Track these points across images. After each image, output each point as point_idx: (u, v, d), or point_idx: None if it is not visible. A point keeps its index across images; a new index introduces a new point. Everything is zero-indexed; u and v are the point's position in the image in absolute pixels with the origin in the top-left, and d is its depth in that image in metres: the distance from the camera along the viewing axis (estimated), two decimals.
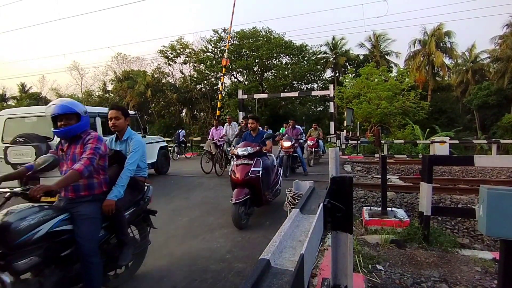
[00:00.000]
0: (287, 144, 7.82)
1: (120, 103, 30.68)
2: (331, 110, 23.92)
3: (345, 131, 20.06)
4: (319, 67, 32.01)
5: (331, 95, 22.36)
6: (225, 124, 9.71)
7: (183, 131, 15.57)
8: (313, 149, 10.18)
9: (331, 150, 3.00)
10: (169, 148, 11.71)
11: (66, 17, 56.48)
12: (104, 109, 6.16)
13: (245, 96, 24.60)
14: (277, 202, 5.08)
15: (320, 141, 10.87)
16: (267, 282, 0.75)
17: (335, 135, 20.07)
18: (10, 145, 5.08)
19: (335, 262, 1.55)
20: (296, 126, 9.24)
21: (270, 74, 31.15)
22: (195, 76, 31.22)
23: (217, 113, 20.28)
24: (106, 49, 61.32)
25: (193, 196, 5.92)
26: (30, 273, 1.84)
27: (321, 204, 1.26)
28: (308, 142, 10.07)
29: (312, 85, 32.75)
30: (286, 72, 29.44)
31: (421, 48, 29.87)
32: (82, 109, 2.22)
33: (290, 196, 2.82)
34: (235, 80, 32.22)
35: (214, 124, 9.63)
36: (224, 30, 27.78)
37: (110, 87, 34.60)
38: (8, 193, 1.87)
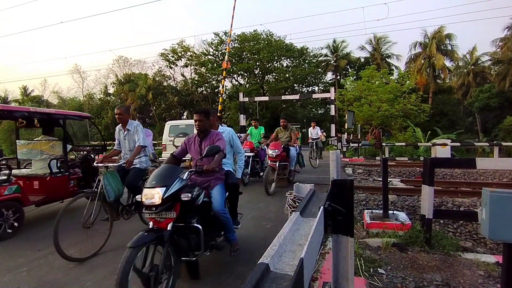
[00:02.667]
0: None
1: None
2: (332, 112, 23.94)
3: (346, 133, 20.05)
4: (320, 70, 32.08)
5: (332, 97, 22.39)
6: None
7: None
8: (277, 164, 6.30)
9: (332, 153, 2.99)
10: None
11: (67, 21, 56.97)
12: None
13: (246, 99, 24.65)
14: (277, 205, 5.06)
15: (292, 149, 6.82)
16: (266, 287, 0.74)
17: (336, 138, 20.07)
18: (175, 137, 9.92)
19: (336, 265, 1.54)
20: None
21: (271, 77, 31.24)
22: (196, 79, 31.32)
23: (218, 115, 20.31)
24: (108, 52, 61.90)
25: None
26: None
27: (322, 207, 1.24)
28: (269, 151, 6.33)
29: (313, 88, 32.82)
30: (287, 75, 29.53)
31: (422, 50, 29.91)
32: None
33: (291, 199, 2.80)
34: (236, 83, 32.32)
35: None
36: (225, 33, 27.90)
37: (111, 90, 34.74)
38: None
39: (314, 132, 11.87)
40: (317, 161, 11.05)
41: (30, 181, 4.85)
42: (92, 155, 6.00)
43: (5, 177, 4.22)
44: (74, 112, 6.99)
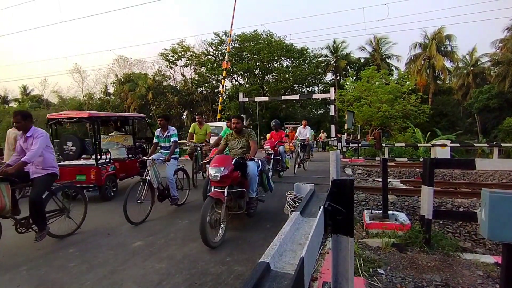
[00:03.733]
0: None
1: (121, 105, 30.83)
2: (332, 113, 24.00)
3: (346, 134, 20.08)
4: (320, 70, 32.12)
5: (332, 98, 22.44)
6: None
7: None
8: (226, 191, 3.72)
9: (332, 153, 2.99)
10: None
11: (68, 20, 56.92)
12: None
13: (246, 99, 24.68)
14: (277, 205, 5.06)
15: (251, 165, 4.15)
16: (266, 286, 0.74)
17: (336, 138, 20.09)
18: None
19: (336, 265, 1.54)
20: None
21: (271, 77, 31.27)
22: (196, 79, 31.34)
23: (218, 116, 20.34)
24: (108, 51, 61.94)
25: (193, 198, 5.90)
26: None
27: (322, 207, 1.24)
28: (210, 171, 3.74)
29: (313, 88, 32.86)
30: (287, 75, 29.56)
31: (422, 51, 29.97)
32: None
33: (291, 199, 2.81)
34: (236, 83, 32.35)
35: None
36: (225, 33, 27.93)
37: (111, 90, 34.74)
38: None
39: (304, 132, 9.97)
40: (299, 167, 9.19)
41: (115, 163, 6.48)
42: (144, 145, 8.03)
43: (108, 160, 6.22)
44: (138, 114, 8.98)
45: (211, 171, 3.71)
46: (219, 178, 3.64)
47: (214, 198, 3.53)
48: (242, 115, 4.15)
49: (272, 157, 7.47)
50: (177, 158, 5.32)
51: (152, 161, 4.66)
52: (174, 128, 5.41)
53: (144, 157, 5.11)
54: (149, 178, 4.55)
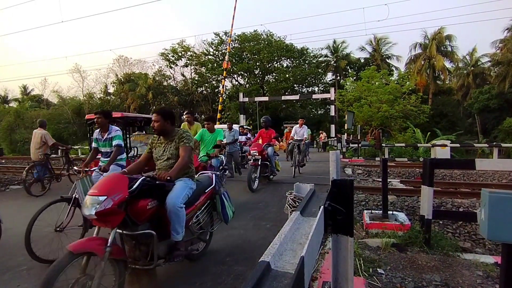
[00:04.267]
0: None
1: (121, 105, 30.85)
2: (332, 113, 24.02)
3: (346, 134, 20.10)
4: (320, 70, 32.16)
5: (332, 98, 22.47)
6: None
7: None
8: (107, 247, 2.01)
9: (332, 153, 2.99)
10: None
11: (68, 20, 56.91)
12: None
13: (246, 99, 24.69)
14: (277, 205, 5.06)
15: (177, 187, 2.53)
16: (267, 285, 0.74)
17: (336, 138, 20.11)
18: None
19: (336, 265, 1.54)
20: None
21: (271, 77, 31.32)
22: (196, 79, 31.37)
23: (218, 116, 20.35)
24: (108, 51, 61.99)
25: None
26: None
27: (322, 207, 1.25)
28: (85, 200, 2.07)
29: (313, 88, 32.91)
30: (287, 75, 29.60)
31: (422, 51, 29.98)
32: None
33: (291, 198, 2.81)
34: (236, 83, 32.39)
35: None
36: (226, 33, 27.97)
37: (111, 90, 34.77)
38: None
39: (300, 132, 8.80)
40: (296, 167, 8.61)
41: None
42: None
43: (136, 154, 6.97)
44: None
45: (86, 201, 2.06)
46: (94, 215, 1.99)
47: (75, 253, 1.93)
48: (168, 109, 2.89)
49: (259, 163, 6.47)
50: (123, 166, 4.01)
51: (82, 172, 3.41)
52: (118, 129, 4.12)
53: (75, 167, 3.70)
54: (76, 196, 3.22)
